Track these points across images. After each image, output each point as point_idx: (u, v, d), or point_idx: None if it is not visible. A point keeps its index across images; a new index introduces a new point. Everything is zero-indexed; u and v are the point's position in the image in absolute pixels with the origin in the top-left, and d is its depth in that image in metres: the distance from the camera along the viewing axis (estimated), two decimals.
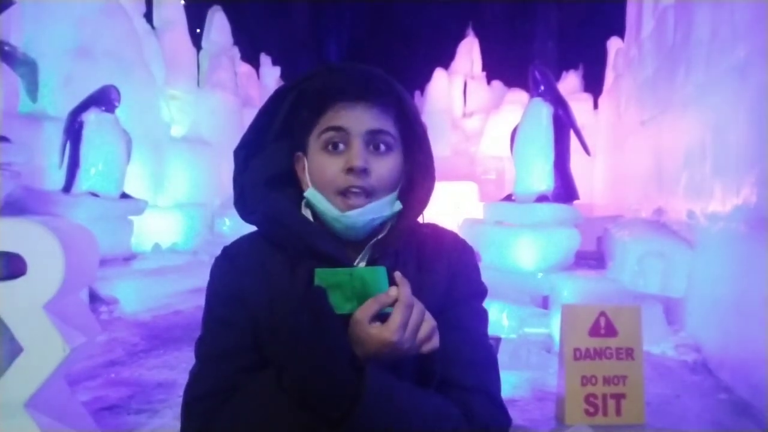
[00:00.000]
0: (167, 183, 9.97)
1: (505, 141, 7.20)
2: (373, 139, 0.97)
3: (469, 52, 17.54)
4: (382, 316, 0.88)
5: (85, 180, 7.15)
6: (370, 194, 0.96)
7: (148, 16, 10.79)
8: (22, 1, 7.55)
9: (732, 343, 3.97)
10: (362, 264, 0.99)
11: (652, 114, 7.48)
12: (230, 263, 1.02)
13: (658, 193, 6.74)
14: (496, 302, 5.11)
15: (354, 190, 0.96)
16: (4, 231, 2.04)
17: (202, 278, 1.22)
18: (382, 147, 0.98)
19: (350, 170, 0.95)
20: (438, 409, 0.92)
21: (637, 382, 3.21)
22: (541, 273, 5.98)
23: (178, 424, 0.98)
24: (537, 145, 6.37)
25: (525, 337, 4.87)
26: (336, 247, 0.97)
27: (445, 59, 17.31)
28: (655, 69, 7.48)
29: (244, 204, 1.04)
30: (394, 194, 1.01)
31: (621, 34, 11.39)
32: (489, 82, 17.30)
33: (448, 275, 1.04)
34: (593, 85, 14.48)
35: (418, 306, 0.89)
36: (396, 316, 0.87)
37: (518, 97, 14.34)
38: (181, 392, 0.99)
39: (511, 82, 16.05)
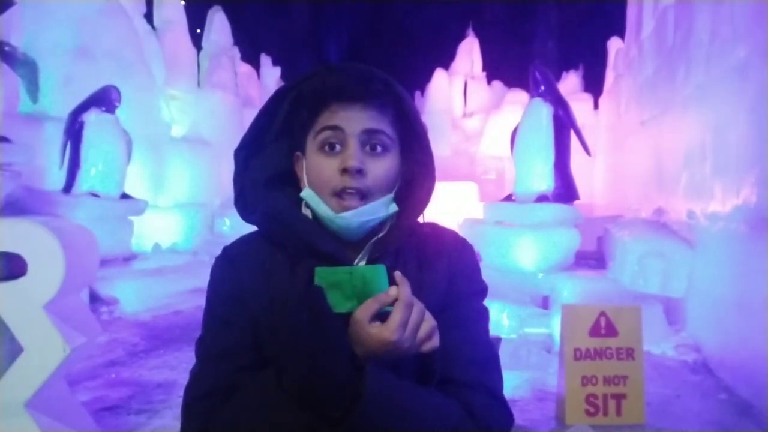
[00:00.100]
0: (167, 183, 9.97)
1: (505, 141, 7.20)
2: (369, 140, 0.97)
3: (469, 52, 17.55)
4: (382, 316, 0.88)
5: (85, 180, 7.15)
6: (365, 195, 0.96)
7: (148, 16, 10.79)
8: (22, 1, 7.55)
9: (732, 343, 3.97)
10: (362, 263, 0.99)
11: (652, 114, 7.48)
12: (230, 263, 1.02)
13: (658, 193, 6.74)
14: (497, 302, 5.11)
15: (349, 191, 0.96)
16: (4, 231, 2.04)
17: (202, 278, 1.22)
18: (379, 148, 0.98)
19: (345, 171, 0.95)
20: (439, 407, 0.92)
21: (637, 382, 3.21)
22: (541, 273, 5.98)
23: (178, 425, 0.98)
24: (537, 145, 6.37)
25: (525, 337, 4.87)
26: (336, 246, 0.97)
27: (446, 59, 17.33)
28: (655, 69, 7.48)
29: (244, 204, 1.04)
30: (390, 195, 1.01)
31: (621, 34, 11.39)
32: (489, 82, 17.31)
33: (448, 274, 1.04)
34: (593, 85, 14.49)
35: (418, 305, 0.89)
36: (396, 316, 0.87)
37: (518, 97, 14.35)
38: (181, 392, 0.99)
39: (511, 82, 16.06)
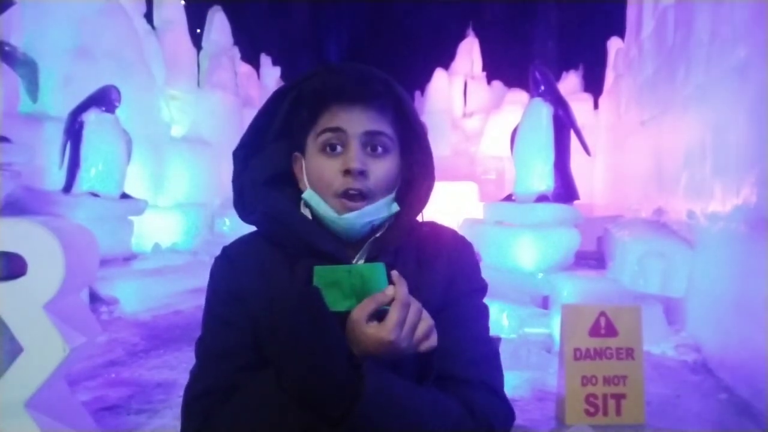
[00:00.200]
0: (167, 183, 9.98)
1: (505, 141, 7.20)
2: (370, 141, 0.98)
3: (469, 52, 17.54)
4: (380, 315, 0.88)
5: (85, 180, 7.15)
6: (367, 196, 0.97)
7: (148, 16, 10.79)
8: (22, 1, 7.55)
9: (732, 343, 3.97)
10: (361, 261, 0.99)
11: (652, 114, 7.48)
12: (230, 263, 1.02)
13: (658, 193, 6.74)
14: (496, 302, 5.11)
15: (351, 192, 0.96)
16: (4, 231, 2.04)
17: (202, 278, 1.22)
18: (380, 149, 0.98)
19: (347, 172, 0.95)
20: (438, 405, 0.92)
21: (637, 382, 3.21)
22: (541, 273, 5.98)
23: (178, 424, 0.98)
24: (537, 145, 6.37)
25: (525, 337, 4.87)
26: (335, 245, 0.98)
27: (445, 59, 17.33)
28: (655, 69, 7.48)
29: (243, 204, 1.04)
30: (392, 195, 1.01)
31: (621, 34, 11.39)
32: (489, 82, 17.31)
33: (448, 272, 1.04)
34: (593, 85, 14.49)
35: (415, 305, 0.89)
36: (393, 315, 0.87)
37: (518, 97, 14.35)
38: (181, 392, 0.99)
39: (511, 82, 16.06)
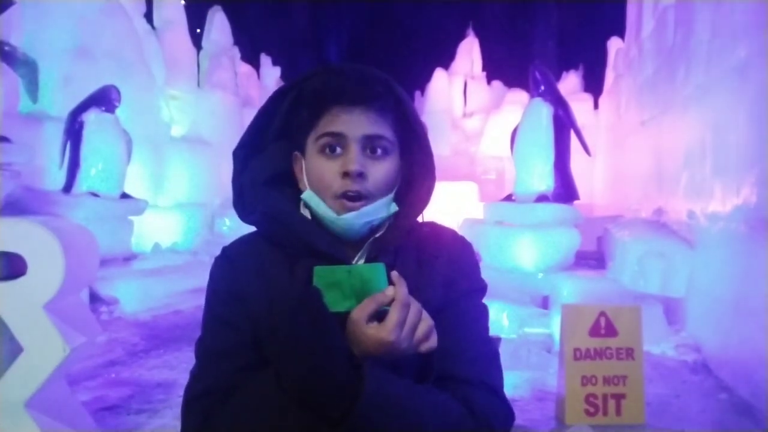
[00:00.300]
0: (167, 183, 9.98)
1: (505, 141, 7.20)
2: (369, 143, 0.98)
3: (469, 52, 17.54)
4: (380, 315, 0.88)
5: (85, 180, 7.15)
6: (366, 198, 0.97)
7: (148, 16, 10.79)
8: (22, 1, 7.55)
9: (732, 343, 3.97)
10: (361, 262, 1.00)
11: (652, 114, 7.48)
12: (230, 263, 1.02)
13: (658, 193, 6.74)
14: (497, 302, 5.11)
15: (350, 194, 0.96)
16: (4, 231, 2.04)
17: (202, 278, 1.22)
18: (379, 151, 0.98)
19: (346, 174, 0.95)
20: (438, 405, 0.92)
21: (637, 382, 3.21)
22: (541, 273, 5.98)
23: (178, 424, 0.98)
24: (537, 145, 6.37)
25: (525, 337, 4.87)
26: (335, 245, 0.98)
27: (445, 59, 17.32)
28: (655, 69, 7.48)
29: (243, 204, 1.05)
30: (391, 195, 1.01)
31: (621, 34, 11.40)
32: (489, 82, 17.31)
33: (448, 272, 1.04)
34: (593, 85, 14.50)
35: (415, 305, 0.89)
36: (393, 316, 0.87)
37: (518, 97, 14.35)
38: (181, 392, 0.99)
39: (511, 82, 16.06)
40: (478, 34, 18.07)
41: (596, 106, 13.55)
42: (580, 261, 6.56)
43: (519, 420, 3.33)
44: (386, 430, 0.85)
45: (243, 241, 1.05)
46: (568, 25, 22.74)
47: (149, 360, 4.54)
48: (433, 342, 0.91)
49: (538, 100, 6.53)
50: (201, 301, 1.04)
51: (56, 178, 7.31)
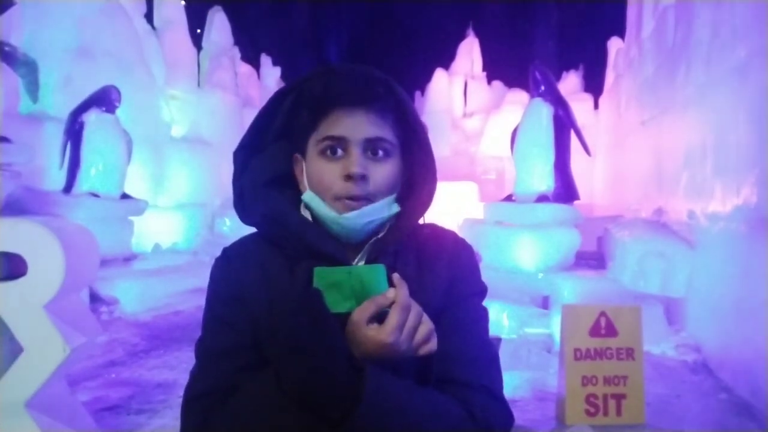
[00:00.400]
0: (167, 183, 9.98)
1: (506, 141, 7.20)
2: (371, 145, 0.98)
3: (469, 52, 17.55)
4: (380, 317, 0.88)
5: (85, 180, 7.15)
6: (367, 200, 0.97)
7: (149, 16, 10.79)
8: (22, 1, 7.55)
9: (732, 343, 3.97)
10: (361, 263, 0.99)
11: (652, 114, 7.48)
12: (230, 264, 1.02)
13: (658, 193, 6.74)
14: (497, 302, 5.11)
15: (352, 196, 0.96)
16: (4, 231, 2.04)
17: (202, 278, 1.22)
18: (380, 153, 0.98)
19: (348, 177, 0.95)
20: (439, 407, 0.92)
21: (637, 382, 3.21)
22: (541, 273, 5.98)
23: (178, 424, 0.98)
24: (537, 145, 6.37)
25: (525, 338, 4.87)
26: (335, 246, 0.98)
27: (446, 59, 17.33)
28: (656, 69, 7.48)
29: (243, 206, 1.04)
30: (393, 196, 1.01)
31: (621, 34, 11.39)
32: (489, 82, 17.31)
33: (448, 275, 1.04)
34: (593, 85, 14.50)
35: (416, 308, 0.89)
36: (392, 318, 0.87)
37: (518, 97, 14.35)
38: (181, 392, 0.99)
39: (511, 82, 16.07)
40: (478, 34, 18.07)
41: (596, 106, 13.55)
42: (580, 261, 6.56)
43: (519, 420, 3.34)
44: None
45: (243, 242, 1.05)
46: (568, 25, 22.74)
47: (149, 360, 4.54)
48: (432, 345, 0.91)
49: (538, 100, 6.53)
50: (201, 301, 1.04)
51: (56, 178, 7.31)
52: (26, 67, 7.63)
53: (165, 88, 10.62)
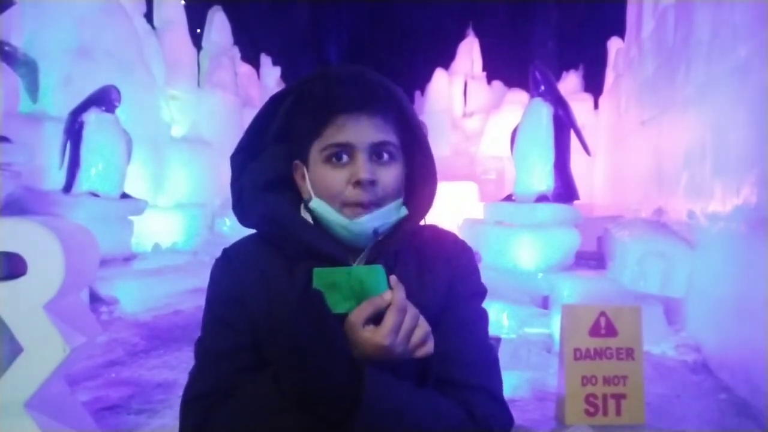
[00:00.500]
0: (167, 183, 9.98)
1: (505, 141, 7.20)
2: (376, 150, 0.97)
3: (469, 52, 17.54)
4: (378, 319, 0.88)
5: (85, 180, 7.15)
6: (376, 205, 0.97)
7: (148, 16, 10.79)
8: (22, 1, 7.55)
9: (732, 343, 3.97)
10: (361, 264, 0.99)
11: (652, 114, 7.48)
12: (230, 265, 1.02)
13: (658, 193, 6.73)
14: (497, 302, 5.11)
15: (362, 202, 0.95)
16: (4, 231, 2.04)
17: (202, 278, 1.22)
18: (386, 156, 0.98)
19: (357, 183, 0.95)
20: (439, 409, 0.92)
21: (637, 382, 3.21)
22: (541, 273, 5.98)
23: (177, 424, 0.98)
24: (537, 145, 6.37)
25: (525, 337, 4.87)
26: (335, 247, 0.98)
27: (445, 59, 17.32)
28: (655, 69, 7.48)
29: (242, 207, 1.04)
30: (400, 200, 1.01)
31: (621, 34, 11.39)
32: (489, 82, 17.31)
33: (448, 276, 1.04)
34: (593, 85, 14.49)
35: (412, 310, 0.89)
36: (388, 321, 0.87)
37: (518, 97, 14.35)
38: (181, 392, 0.99)
39: (511, 82, 16.06)
40: (478, 34, 18.06)
41: (596, 106, 13.54)
42: (580, 261, 6.56)
43: (519, 420, 3.34)
44: None
45: (243, 243, 1.05)
46: (568, 25, 22.74)
47: (149, 360, 4.54)
48: (429, 348, 0.91)
49: (538, 100, 6.53)
50: (201, 301, 1.04)
51: (56, 178, 7.31)
52: (26, 67, 7.63)
53: (165, 88, 10.62)
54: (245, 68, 14.20)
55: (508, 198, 6.98)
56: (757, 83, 3.89)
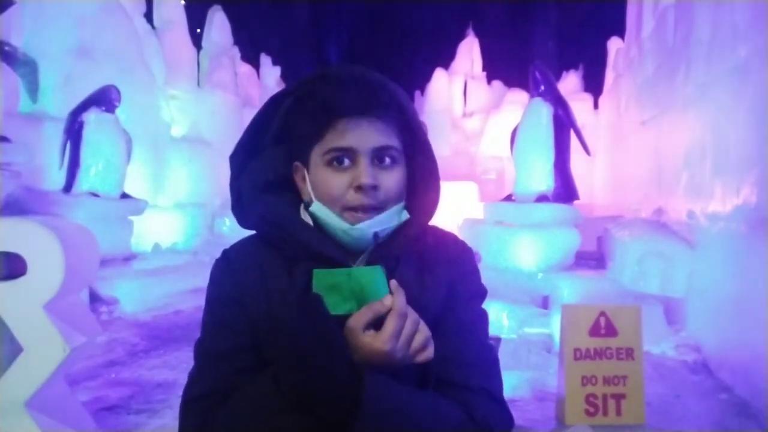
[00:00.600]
0: (167, 183, 9.97)
1: (505, 141, 7.20)
2: (378, 154, 0.97)
3: (469, 52, 17.53)
4: (378, 323, 0.88)
5: (85, 180, 7.15)
6: (378, 209, 0.96)
7: (148, 16, 10.79)
8: (22, 1, 7.55)
9: (732, 343, 3.97)
10: (361, 266, 0.99)
11: (652, 114, 7.48)
12: (230, 266, 1.02)
13: (658, 193, 6.73)
14: (497, 302, 5.11)
15: (364, 207, 0.95)
16: (4, 231, 2.04)
17: (202, 278, 1.22)
18: (387, 160, 0.97)
19: (359, 188, 0.94)
20: (439, 410, 0.91)
21: (637, 383, 3.21)
22: (541, 273, 5.98)
23: (177, 425, 0.98)
24: (537, 145, 6.37)
25: (525, 337, 4.87)
26: (335, 248, 0.97)
27: (445, 59, 17.31)
28: (655, 69, 7.48)
29: (241, 208, 1.04)
30: (401, 204, 1.00)
31: (621, 34, 11.38)
32: (489, 82, 17.29)
33: (448, 277, 1.04)
34: (593, 85, 14.48)
35: (412, 315, 0.89)
36: (389, 326, 0.86)
37: (518, 97, 14.34)
38: (180, 392, 0.99)
39: (511, 82, 16.05)
40: (478, 34, 18.05)
41: (596, 106, 13.53)
42: (580, 261, 6.56)
43: (519, 420, 3.34)
44: None
45: (243, 244, 1.05)
46: (568, 25, 22.72)
47: (149, 360, 4.54)
48: (429, 353, 0.90)
49: (538, 99, 6.53)
50: (201, 301, 1.04)
51: (56, 178, 7.30)
52: (26, 67, 7.63)
53: (165, 87, 10.61)
54: (245, 68, 14.19)
55: (508, 198, 6.98)
56: (757, 83, 3.89)
